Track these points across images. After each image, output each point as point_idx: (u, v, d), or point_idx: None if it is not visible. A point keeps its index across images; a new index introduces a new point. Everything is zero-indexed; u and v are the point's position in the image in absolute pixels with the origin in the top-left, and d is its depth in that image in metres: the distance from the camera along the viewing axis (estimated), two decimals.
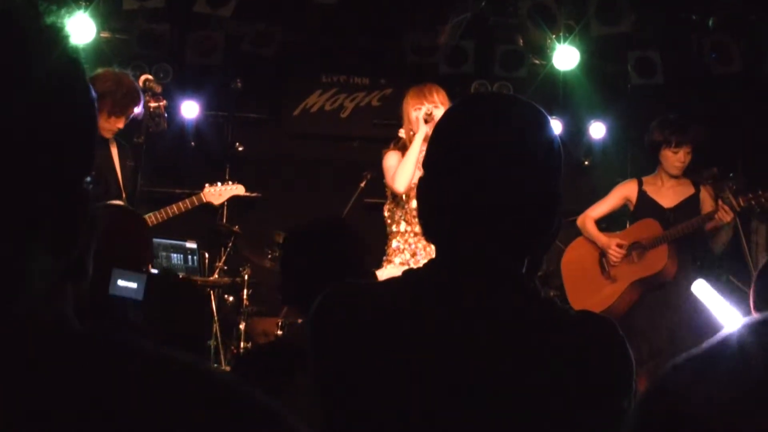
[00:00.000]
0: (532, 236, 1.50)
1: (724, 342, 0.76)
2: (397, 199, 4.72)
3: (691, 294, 5.22)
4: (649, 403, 0.76)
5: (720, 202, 5.01)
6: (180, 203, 5.52)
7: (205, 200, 5.65)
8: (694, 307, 5.18)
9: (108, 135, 4.91)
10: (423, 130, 4.52)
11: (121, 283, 1.72)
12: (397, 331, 1.45)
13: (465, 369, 1.40)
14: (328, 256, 2.66)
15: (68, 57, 0.80)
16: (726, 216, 4.95)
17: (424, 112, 4.55)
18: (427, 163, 1.56)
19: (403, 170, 4.54)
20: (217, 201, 5.81)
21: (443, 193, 1.50)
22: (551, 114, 6.91)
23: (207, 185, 5.76)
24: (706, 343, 0.77)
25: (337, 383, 1.49)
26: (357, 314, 1.50)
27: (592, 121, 7.55)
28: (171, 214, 5.27)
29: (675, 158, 5.23)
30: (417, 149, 4.49)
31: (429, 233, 1.56)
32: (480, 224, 1.46)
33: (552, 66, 7.14)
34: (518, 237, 1.49)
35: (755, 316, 0.77)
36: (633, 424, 0.76)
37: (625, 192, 5.49)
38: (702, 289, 3.56)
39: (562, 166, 1.52)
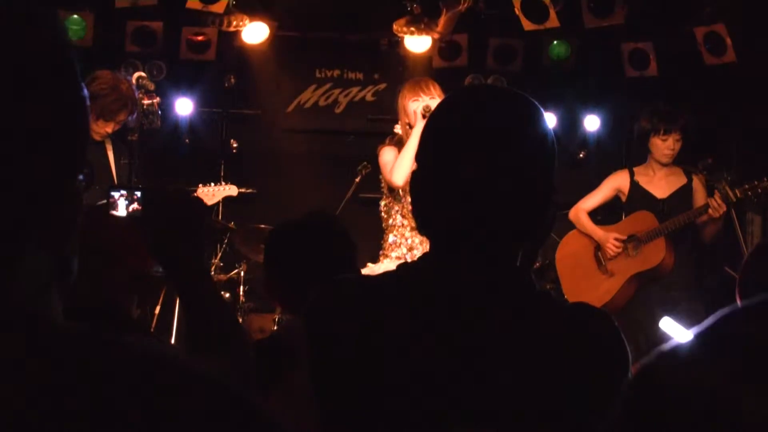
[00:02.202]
0: (527, 229, 1.50)
1: (710, 328, 0.77)
2: (393, 194, 4.73)
3: (688, 285, 5.26)
4: (635, 388, 0.77)
5: (711, 198, 5.01)
6: None
7: None
8: (692, 298, 5.21)
9: (97, 138, 4.89)
10: (421, 125, 4.51)
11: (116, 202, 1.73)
12: (394, 326, 1.45)
13: (462, 362, 1.40)
14: (314, 251, 2.57)
15: (61, 54, 0.80)
16: (717, 211, 4.95)
17: (423, 106, 4.55)
18: (421, 156, 1.56)
19: (401, 164, 4.54)
20: (210, 201, 5.80)
21: (437, 185, 1.50)
22: (545, 107, 6.84)
23: (200, 185, 5.75)
24: (692, 331, 0.77)
25: (334, 380, 1.49)
26: (353, 311, 1.49)
27: (586, 113, 7.54)
28: None
29: (664, 146, 5.22)
30: (415, 143, 4.48)
31: (423, 226, 1.56)
32: (474, 217, 1.46)
33: (546, 58, 7.14)
34: (513, 230, 1.49)
35: (741, 302, 0.78)
36: (619, 410, 0.76)
37: (616, 183, 5.48)
38: (669, 326, 3.57)
39: (556, 158, 1.52)
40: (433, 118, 1.59)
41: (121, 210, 1.72)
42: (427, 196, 1.52)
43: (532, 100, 1.54)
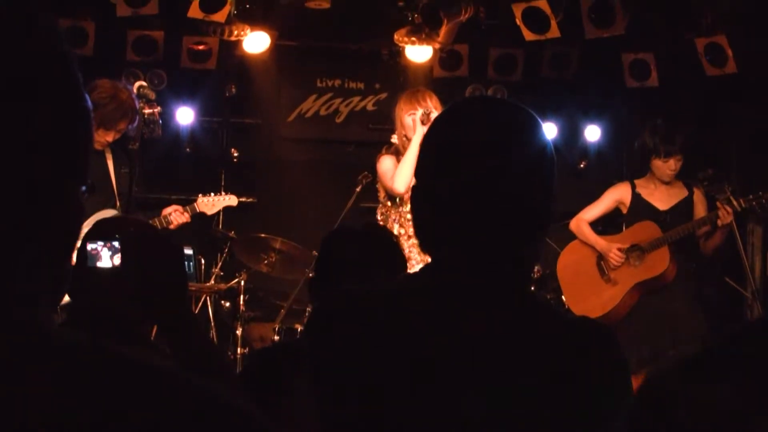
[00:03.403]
0: (526, 240, 1.50)
1: (718, 346, 0.76)
2: (391, 202, 4.74)
3: (689, 296, 5.25)
4: (643, 404, 0.76)
5: (720, 204, 5.01)
6: None
7: (198, 210, 5.64)
8: (693, 309, 5.20)
9: (97, 147, 4.88)
10: (420, 132, 4.53)
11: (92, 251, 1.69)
12: (395, 331, 1.45)
13: (462, 368, 1.41)
14: (370, 258, 2.60)
15: (63, 64, 0.80)
16: (727, 217, 4.95)
17: (421, 113, 4.57)
18: (421, 167, 1.57)
19: (402, 171, 4.57)
20: (210, 211, 5.79)
21: (438, 195, 1.50)
22: (546, 117, 6.93)
23: (201, 195, 5.75)
24: (696, 349, 0.77)
25: (335, 386, 1.49)
26: (355, 317, 1.50)
27: (587, 124, 7.55)
28: (165, 224, 5.25)
29: (665, 167, 5.25)
30: (415, 150, 4.50)
31: (424, 239, 1.56)
32: (474, 229, 1.47)
33: (545, 69, 7.14)
34: (513, 237, 1.49)
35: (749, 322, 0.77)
36: (626, 425, 0.76)
37: (617, 195, 5.49)
38: None
39: (555, 169, 1.52)
40: (433, 130, 1.60)
41: (105, 260, 1.69)
42: (428, 206, 1.53)
43: (531, 112, 1.54)
